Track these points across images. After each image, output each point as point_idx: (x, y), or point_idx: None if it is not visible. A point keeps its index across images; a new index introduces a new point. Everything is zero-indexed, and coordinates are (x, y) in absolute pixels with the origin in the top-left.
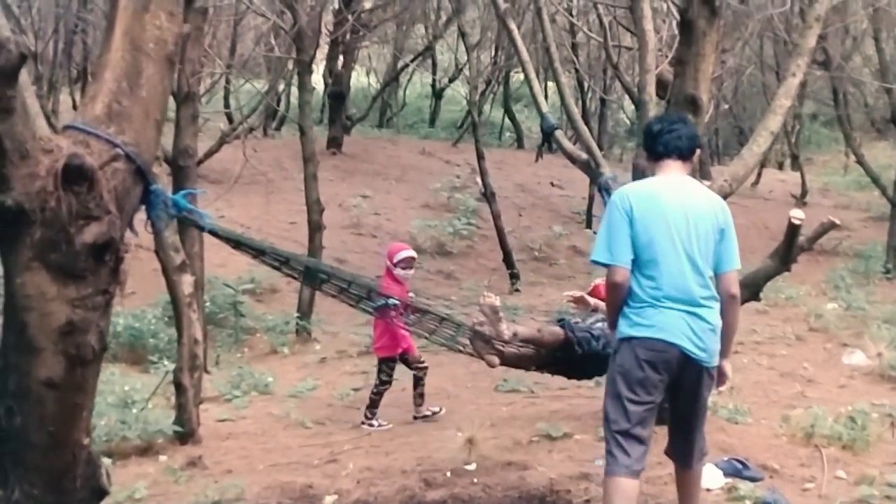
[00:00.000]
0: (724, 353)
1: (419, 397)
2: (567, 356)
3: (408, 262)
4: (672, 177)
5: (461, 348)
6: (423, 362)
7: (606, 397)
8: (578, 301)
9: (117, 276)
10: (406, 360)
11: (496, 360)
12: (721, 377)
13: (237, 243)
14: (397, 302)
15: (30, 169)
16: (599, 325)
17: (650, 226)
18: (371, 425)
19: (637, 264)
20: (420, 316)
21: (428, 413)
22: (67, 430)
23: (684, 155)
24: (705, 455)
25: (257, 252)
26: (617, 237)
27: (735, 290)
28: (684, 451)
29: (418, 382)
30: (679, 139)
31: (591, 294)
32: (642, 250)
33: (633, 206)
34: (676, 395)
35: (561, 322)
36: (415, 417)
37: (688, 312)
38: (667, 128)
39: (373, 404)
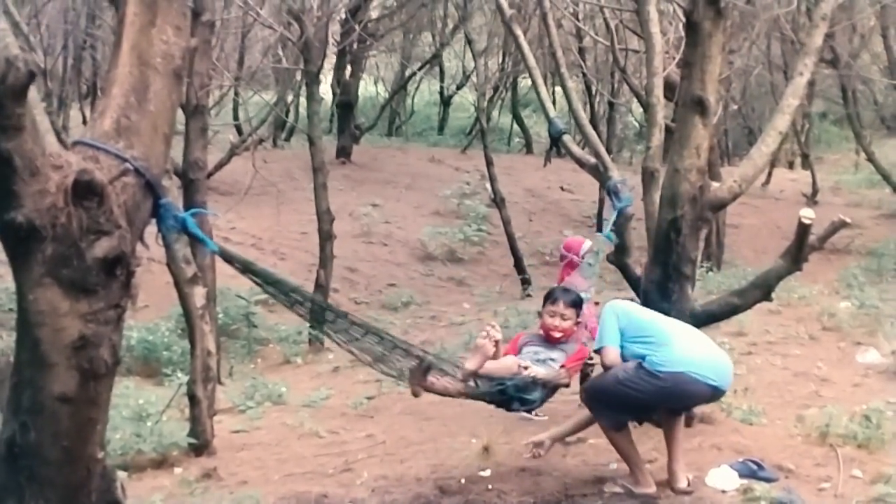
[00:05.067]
0: None
1: None
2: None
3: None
4: None
5: (395, 374)
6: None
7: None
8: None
9: (129, 290)
10: None
11: (420, 391)
12: None
13: (242, 267)
14: (589, 296)
15: (40, 185)
16: (536, 391)
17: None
18: None
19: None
20: (375, 341)
21: None
22: (82, 444)
23: None
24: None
25: (250, 271)
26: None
27: None
28: None
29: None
30: None
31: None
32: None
33: None
34: None
35: (500, 387)
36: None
37: None
38: None
39: None
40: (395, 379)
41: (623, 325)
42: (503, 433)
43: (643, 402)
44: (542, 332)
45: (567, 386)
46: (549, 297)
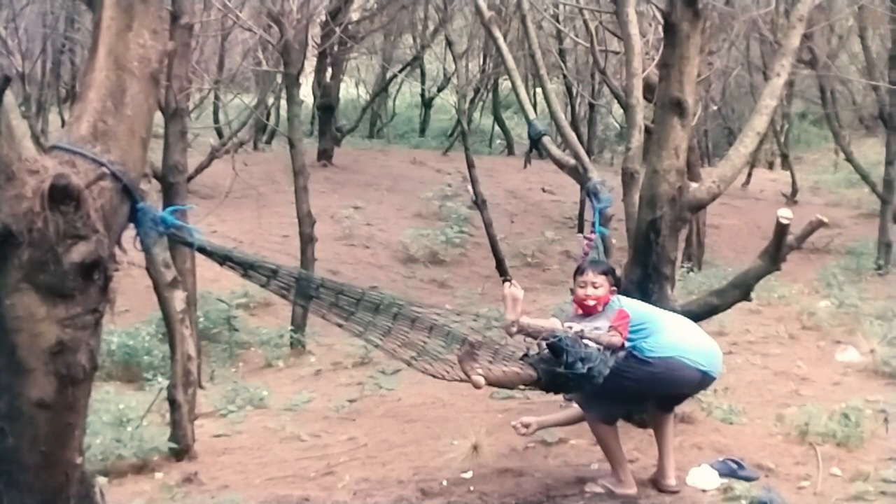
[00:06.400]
0: None
1: None
2: (550, 380)
3: None
4: None
5: (445, 372)
6: None
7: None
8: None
9: (106, 295)
10: None
11: (482, 380)
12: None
13: (226, 260)
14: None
15: (16, 190)
16: (591, 349)
17: None
18: None
19: None
20: (408, 328)
21: None
22: (60, 450)
23: None
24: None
25: (246, 267)
26: None
27: None
28: None
29: None
30: None
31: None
32: None
33: None
34: None
35: (556, 340)
36: None
37: None
38: None
39: None
40: (442, 379)
41: None
42: (485, 435)
43: (635, 391)
44: (578, 309)
45: (622, 347)
46: (577, 271)
